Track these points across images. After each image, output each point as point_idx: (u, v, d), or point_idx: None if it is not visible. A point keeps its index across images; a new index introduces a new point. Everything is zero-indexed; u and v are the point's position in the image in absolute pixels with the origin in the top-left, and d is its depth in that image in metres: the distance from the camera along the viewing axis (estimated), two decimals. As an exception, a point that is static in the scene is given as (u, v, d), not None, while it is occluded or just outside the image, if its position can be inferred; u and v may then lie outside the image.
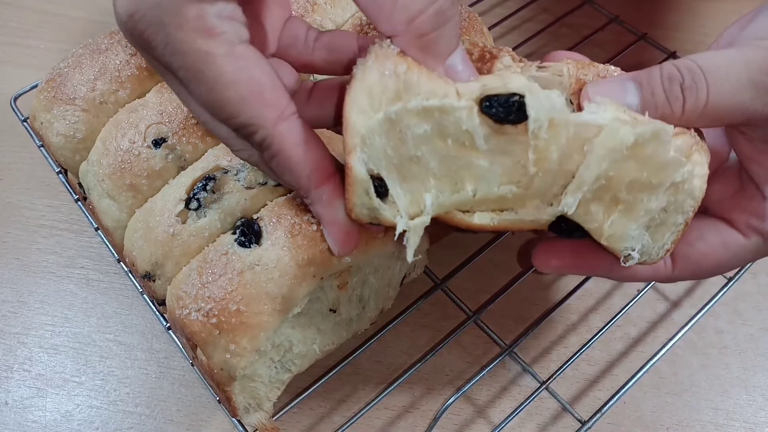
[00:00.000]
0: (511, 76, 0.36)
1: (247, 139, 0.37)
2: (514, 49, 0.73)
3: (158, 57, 0.35)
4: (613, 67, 0.40)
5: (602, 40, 0.75)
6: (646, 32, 0.74)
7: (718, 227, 0.42)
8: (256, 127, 0.36)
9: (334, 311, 0.50)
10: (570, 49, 0.73)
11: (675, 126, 0.36)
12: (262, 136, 0.36)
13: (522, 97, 0.35)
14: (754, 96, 0.36)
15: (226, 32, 0.34)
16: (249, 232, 0.45)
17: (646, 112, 0.36)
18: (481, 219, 0.40)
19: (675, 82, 0.36)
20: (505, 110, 0.35)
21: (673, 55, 0.72)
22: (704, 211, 0.43)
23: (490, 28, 0.71)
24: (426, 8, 0.34)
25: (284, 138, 0.36)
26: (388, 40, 0.35)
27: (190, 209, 0.47)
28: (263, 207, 0.47)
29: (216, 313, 0.43)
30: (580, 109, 0.37)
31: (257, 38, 0.38)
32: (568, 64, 0.39)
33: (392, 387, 0.53)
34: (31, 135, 0.60)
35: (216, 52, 0.34)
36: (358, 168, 0.36)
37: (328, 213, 0.40)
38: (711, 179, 0.39)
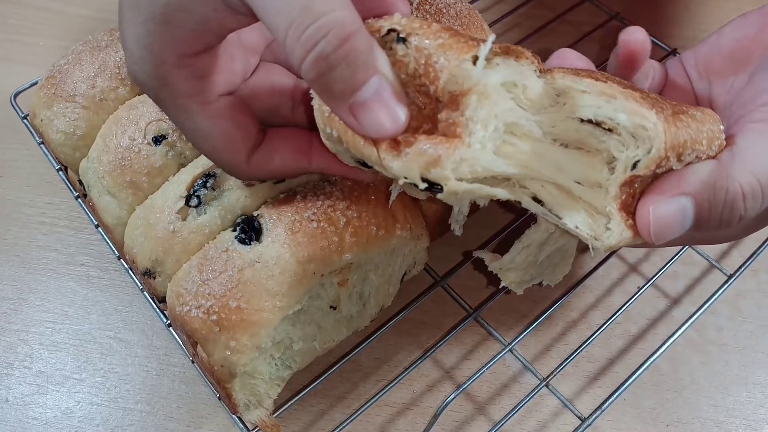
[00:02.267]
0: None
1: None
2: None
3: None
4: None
5: (602, 37, 0.75)
6: (647, 29, 0.74)
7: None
8: (230, 170, 0.42)
9: (335, 308, 0.50)
10: (570, 46, 0.73)
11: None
12: (242, 173, 0.42)
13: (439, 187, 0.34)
14: None
15: (200, 92, 0.38)
16: (249, 230, 0.45)
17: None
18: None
19: (736, 212, 0.37)
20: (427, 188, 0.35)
21: (673, 53, 0.72)
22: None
23: (490, 25, 0.71)
24: (305, 56, 0.31)
25: (258, 167, 0.42)
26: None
27: (190, 206, 0.47)
28: (263, 204, 0.47)
29: (216, 310, 0.43)
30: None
31: (229, 81, 0.41)
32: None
33: (392, 384, 0.53)
34: (31, 132, 0.60)
35: (193, 110, 0.38)
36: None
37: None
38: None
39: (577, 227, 0.37)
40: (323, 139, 0.38)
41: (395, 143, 0.34)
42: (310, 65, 0.31)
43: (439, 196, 0.34)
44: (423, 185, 0.34)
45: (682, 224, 0.36)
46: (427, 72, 0.34)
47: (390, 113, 0.33)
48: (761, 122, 0.39)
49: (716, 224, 0.37)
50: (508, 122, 0.35)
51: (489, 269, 0.49)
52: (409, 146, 0.33)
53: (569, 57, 0.45)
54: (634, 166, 0.35)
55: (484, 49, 0.33)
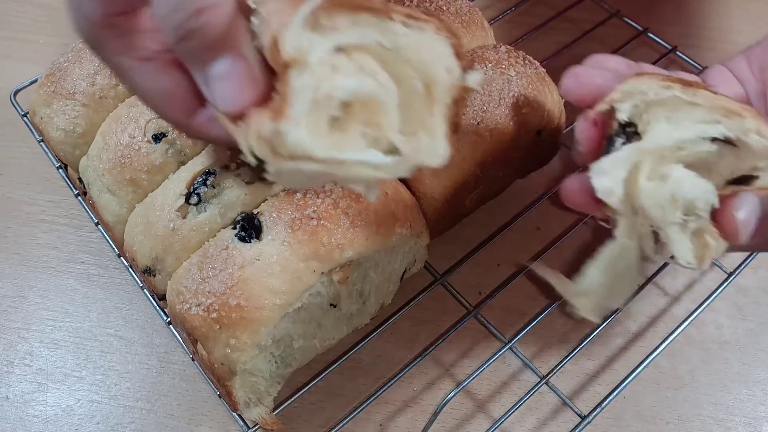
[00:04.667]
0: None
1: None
2: (512, 43, 0.73)
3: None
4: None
5: (603, 34, 0.75)
6: (647, 27, 0.74)
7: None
8: (179, 125, 0.40)
9: (335, 306, 0.50)
10: (570, 44, 0.73)
11: None
12: (186, 131, 0.40)
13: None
14: None
15: (132, 49, 0.38)
16: (249, 227, 0.45)
17: None
18: None
19: None
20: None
21: (674, 50, 0.72)
22: None
23: (490, 23, 0.71)
24: (167, 20, 0.32)
25: (203, 129, 0.39)
26: None
27: (190, 204, 0.47)
28: (263, 202, 0.47)
29: (216, 307, 0.43)
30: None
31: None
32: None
33: (392, 382, 0.53)
34: (31, 130, 0.60)
35: (127, 67, 0.38)
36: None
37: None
38: None
39: (682, 258, 0.38)
40: None
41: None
42: (170, 31, 0.32)
43: (266, 176, 0.33)
44: (254, 161, 0.32)
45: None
46: (267, 42, 0.33)
47: (236, 92, 0.33)
48: None
49: None
50: (330, 95, 0.32)
51: (554, 288, 0.48)
52: (246, 120, 0.32)
53: (608, 62, 0.45)
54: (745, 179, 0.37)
55: (302, 11, 0.31)
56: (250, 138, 0.32)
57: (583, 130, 0.42)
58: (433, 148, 0.35)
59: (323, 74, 0.32)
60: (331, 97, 0.32)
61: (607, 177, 0.39)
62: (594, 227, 0.62)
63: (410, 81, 0.34)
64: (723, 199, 0.38)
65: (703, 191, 0.37)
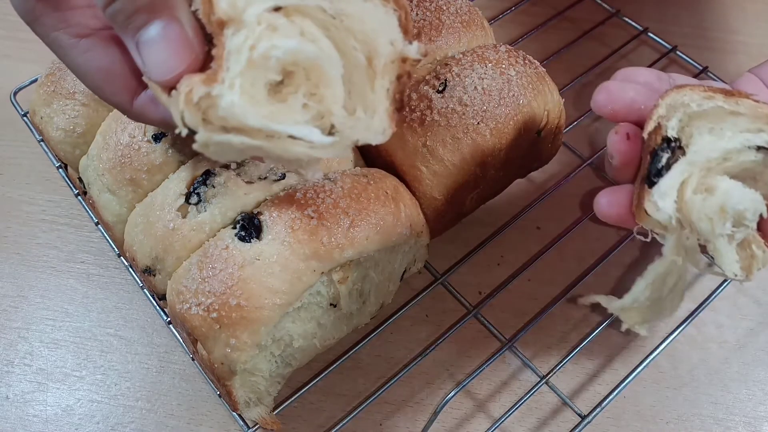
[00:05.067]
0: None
1: None
2: (512, 43, 0.73)
3: None
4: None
5: (603, 34, 0.75)
6: (647, 27, 0.74)
7: None
8: (119, 107, 0.38)
9: (335, 306, 0.50)
10: (570, 43, 0.73)
11: None
12: (127, 113, 0.39)
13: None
14: None
15: (68, 25, 0.36)
16: (249, 227, 0.45)
17: None
18: None
19: None
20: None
21: (674, 50, 0.72)
22: None
23: (490, 22, 0.71)
24: None
25: (144, 111, 0.38)
26: None
27: (190, 204, 0.47)
28: (263, 201, 0.47)
29: (216, 307, 0.43)
30: None
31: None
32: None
33: (392, 381, 0.53)
34: (31, 129, 0.60)
35: (64, 43, 0.37)
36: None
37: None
38: None
39: (729, 270, 0.38)
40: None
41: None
42: None
43: (194, 147, 0.31)
44: (185, 131, 0.31)
45: None
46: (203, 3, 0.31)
47: (169, 57, 0.31)
48: None
49: None
50: (267, 55, 0.30)
51: (597, 305, 0.49)
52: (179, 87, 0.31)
53: (639, 75, 0.45)
54: None
55: None
56: (180, 103, 0.30)
57: (617, 144, 0.41)
58: (372, 125, 0.33)
59: (260, 33, 0.30)
60: (268, 58, 0.30)
61: (668, 198, 0.38)
62: (593, 227, 0.62)
63: (352, 52, 0.32)
64: None
65: (752, 201, 0.37)
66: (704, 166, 0.38)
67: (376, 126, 0.33)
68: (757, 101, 0.38)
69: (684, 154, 0.39)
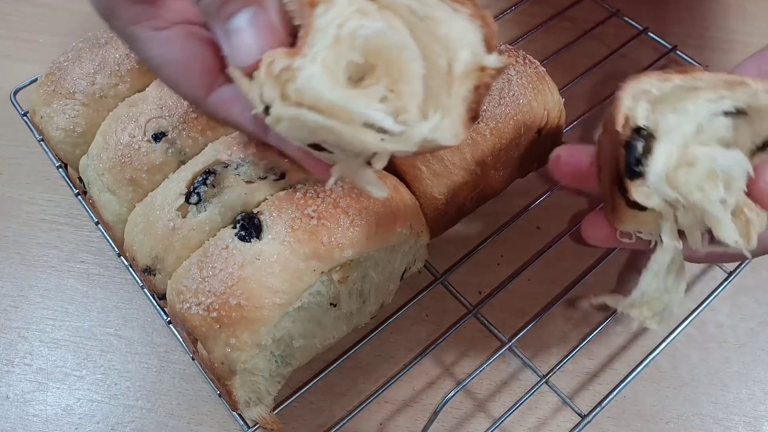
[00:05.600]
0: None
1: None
2: (512, 42, 0.73)
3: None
4: None
5: (603, 34, 0.75)
6: (647, 26, 0.74)
7: None
8: (194, 101, 0.39)
9: (335, 305, 0.50)
10: (571, 43, 0.73)
11: None
12: (201, 107, 0.39)
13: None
14: None
15: (147, 18, 0.37)
16: (249, 226, 0.45)
17: None
18: None
19: None
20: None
21: (674, 50, 0.72)
22: None
23: (490, 22, 0.71)
24: None
25: (218, 107, 0.38)
26: None
27: (190, 203, 0.47)
28: (263, 201, 0.47)
29: (216, 307, 0.43)
30: None
31: (187, 9, 0.39)
32: None
33: (392, 381, 0.53)
34: (31, 129, 0.60)
35: (142, 37, 0.37)
36: None
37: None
38: None
39: (729, 237, 0.37)
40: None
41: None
42: None
43: (267, 121, 0.31)
44: (261, 107, 0.31)
45: None
46: None
47: (255, 43, 0.32)
48: None
49: None
50: (354, 35, 0.31)
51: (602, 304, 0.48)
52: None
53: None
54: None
55: None
56: (261, 74, 0.30)
57: (554, 171, 0.43)
58: (446, 128, 0.33)
59: (350, 14, 0.31)
60: (355, 37, 0.31)
61: (654, 195, 0.38)
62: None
63: (434, 56, 0.33)
64: (755, 169, 0.38)
65: (735, 159, 0.37)
66: (681, 143, 0.38)
67: (448, 128, 0.33)
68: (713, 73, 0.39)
69: (656, 139, 0.38)
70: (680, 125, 0.38)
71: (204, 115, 0.39)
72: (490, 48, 0.34)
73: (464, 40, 0.33)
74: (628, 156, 0.39)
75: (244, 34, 0.32)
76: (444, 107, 0.33)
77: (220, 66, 0.37)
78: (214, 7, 0.33)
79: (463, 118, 0.34)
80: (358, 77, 0.32)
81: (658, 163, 0.38)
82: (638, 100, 0.39)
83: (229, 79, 0.36)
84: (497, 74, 0.34)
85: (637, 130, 0.39)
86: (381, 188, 0.35)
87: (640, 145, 0.39)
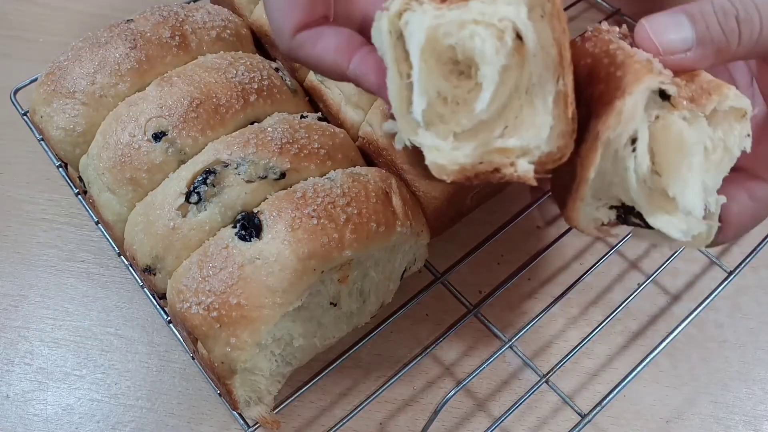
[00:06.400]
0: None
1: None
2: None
3: None
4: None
5: (603, 33, 0.75)
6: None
7: (742, 182, 0.42)
8: (277, 34, 0.41)
9: (335, 305, 0.50)
10: (571, 42, 0.73)
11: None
12: (284, 43, 0.40)
13: None
14: None
15: None
16: (249, 226, 0.45)
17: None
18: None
19: (730, 15, 0.36)
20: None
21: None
22: None
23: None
24: None
25: (304, 43, 0.40)
26: None
27: (190, 203, 0.47)
28: (263, 201, 0.47)
29: (217, 306, 0.43)
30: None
31: None
32: None
33: (393, 380, 0.53)
34: (31, 129, 0.60)
35: None
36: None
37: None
38: None
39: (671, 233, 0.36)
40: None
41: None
42: None
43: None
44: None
45: (677, 28, 0.37)
46: None
47: None
48: None
49: (719, 34, 0.36)
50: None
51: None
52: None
53: None
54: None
55: None
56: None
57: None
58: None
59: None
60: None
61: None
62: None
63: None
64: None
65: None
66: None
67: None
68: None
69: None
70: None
71: (284, 50, 0.41)
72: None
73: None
74: None
75: None
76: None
77: (321, 11, 0.40)
78: None
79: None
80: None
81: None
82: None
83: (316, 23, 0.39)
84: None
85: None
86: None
87: None
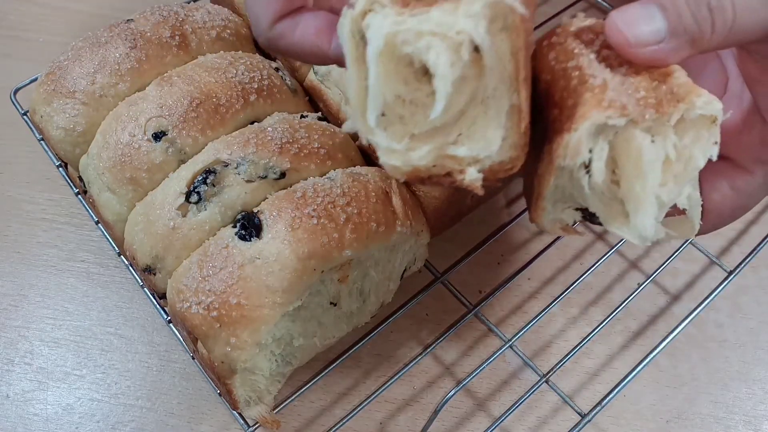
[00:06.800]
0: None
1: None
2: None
3: None
4: None
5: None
6: (648, 25, 0.74)
7: (725, 171, 0.41)
8: (255, 24, 0.40)
9: (335, 304, 0.50)
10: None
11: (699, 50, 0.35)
12: (263, 33, 0.40)
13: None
14: None
15: None
16: (249, 226, 0.45)
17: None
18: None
19: (702, 3, 0.35)
20: None
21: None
22: None
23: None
24: None
25: (283, 33, 0.39)
26: None
27: (190, 202, 0.47)
28: (263, 200, 0.47)
29: (217, 306, 0.43)
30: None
31: None
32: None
33: (393, 380, 0.53)
34: (31, 128, 0.60)
35: None
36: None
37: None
38: None
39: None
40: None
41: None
42: None
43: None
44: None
45: (649, 20, 0.36)
46: None
47: None
48: None
49: (690, 23, 0.36)
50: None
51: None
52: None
53: None
54: None
55: None
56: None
57: None
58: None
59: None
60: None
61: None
62: (593, 226, 0.62)
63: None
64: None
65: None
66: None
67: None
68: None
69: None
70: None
71: (263, 41, 0.41)
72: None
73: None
74: None
75: None
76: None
77: (295, 2, 0.39)
78: None
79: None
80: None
81: None
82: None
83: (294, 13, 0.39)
84: None
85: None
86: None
87: None
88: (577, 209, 0.40)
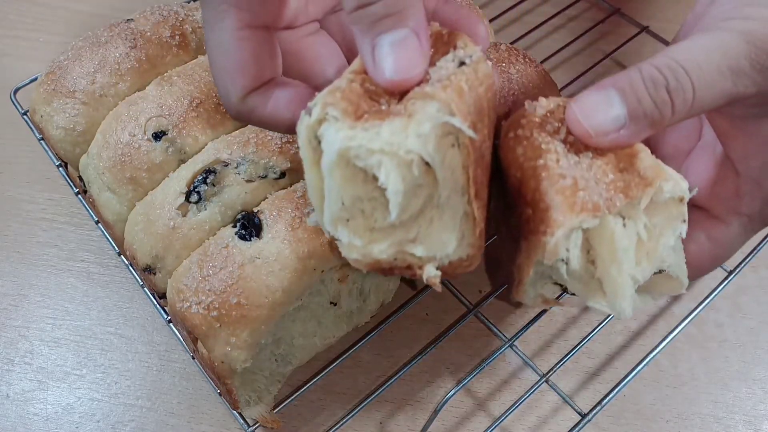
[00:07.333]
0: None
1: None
2: (513, 41, 0.73)
3: None
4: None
5: (603, 32, 0.75)
6: (648, 25, 0.74)
7: (701, 222, 0.42)
8: (229, 95, 0.39)
9: (335, 304, 0.50)
10: (571, 42, 0.73)
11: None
12: (232, 105, 0.40)
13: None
14: (735, 81, 0.36)
15: (245, 9, 0.38)
16: (249, 225, 0.45)
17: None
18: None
19: (660, 86, 0.35)
20: None
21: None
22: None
23: (491, 21, 0.71)
24: None
25: (256, 105, 0.39)
26: None
27: (190, 202, 0.47)
28: (264, 200, 0.47)
29: (217, 306, 0.44)
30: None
31: (271, 16, 0.40)
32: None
33: (393, 380, 0.53)
34: (31, 128, 0.60)
35: (229, 20, 0.38)
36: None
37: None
38: (686, 167, 0.39)
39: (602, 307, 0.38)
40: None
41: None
42: None
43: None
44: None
45: (608, 108, 0.36)
46: None
47: (409, 62, 0.33)
48: (703, 30, 0.38)
49: (651, 107, 0.36)
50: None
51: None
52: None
53: None
54: None
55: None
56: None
57: None
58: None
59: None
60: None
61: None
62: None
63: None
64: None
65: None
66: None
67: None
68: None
69: None
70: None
71: (233, 112, 0.40)
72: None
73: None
74: None
75: (398, 51, 0.33)
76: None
77: (270, 78, 0.39)
78: (369, 20, 0.33)
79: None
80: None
81: None
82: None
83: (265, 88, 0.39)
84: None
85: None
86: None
87: None
88: (555, 283, 0.42)
